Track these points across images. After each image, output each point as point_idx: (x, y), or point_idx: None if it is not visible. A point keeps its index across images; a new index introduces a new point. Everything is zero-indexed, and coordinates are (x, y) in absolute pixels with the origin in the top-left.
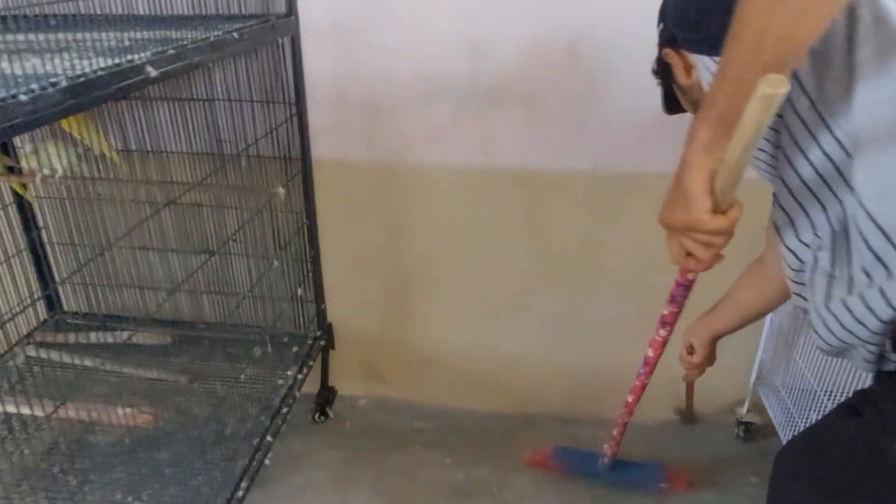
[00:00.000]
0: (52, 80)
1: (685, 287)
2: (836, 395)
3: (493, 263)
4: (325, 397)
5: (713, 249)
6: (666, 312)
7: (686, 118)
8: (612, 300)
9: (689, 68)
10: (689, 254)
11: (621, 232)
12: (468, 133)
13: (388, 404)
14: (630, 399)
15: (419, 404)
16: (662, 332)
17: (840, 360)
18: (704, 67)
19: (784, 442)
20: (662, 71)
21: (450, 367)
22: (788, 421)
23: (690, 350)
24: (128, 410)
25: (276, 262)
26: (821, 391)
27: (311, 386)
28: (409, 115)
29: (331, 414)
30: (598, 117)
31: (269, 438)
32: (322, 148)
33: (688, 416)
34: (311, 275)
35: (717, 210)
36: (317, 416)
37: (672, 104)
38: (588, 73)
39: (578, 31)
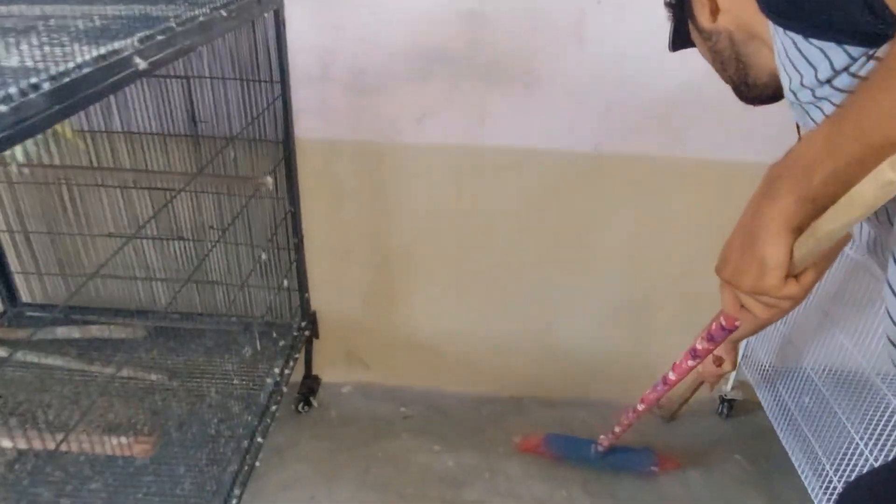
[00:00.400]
0: (33, 81)
1: (728, 331)
2: (829, 376)
3: (484, 246)
4: (309, 387)
5: (775, 311)
6: (700, 348)
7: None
8: (606, 285)
9: (715, 11)
10: (743, 306)
11: (620, 216)
12: (462, 111)
13: (372, 391)
14: (641, 407)
15: (404, 389)
16: (691, 363)
17: (839, 340)
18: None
19: (771, 419)
20: (679, 4)
21: (436, 351)
22: (777, 400)
23: (719, 362)
24: (123, 440)
25: (263, 256)
26: (812, 371)
27: (294, 375)
28: (398, 91)
29: (315, 403)
30: (602, 96)
31: (259, 440)
32: (304, 128)
33: (674, 416)
34: (295, 264)
35: (790, 274)
36: (301, 406)
37: (679, 42)
38: (592, 49)
39: (584, 5)
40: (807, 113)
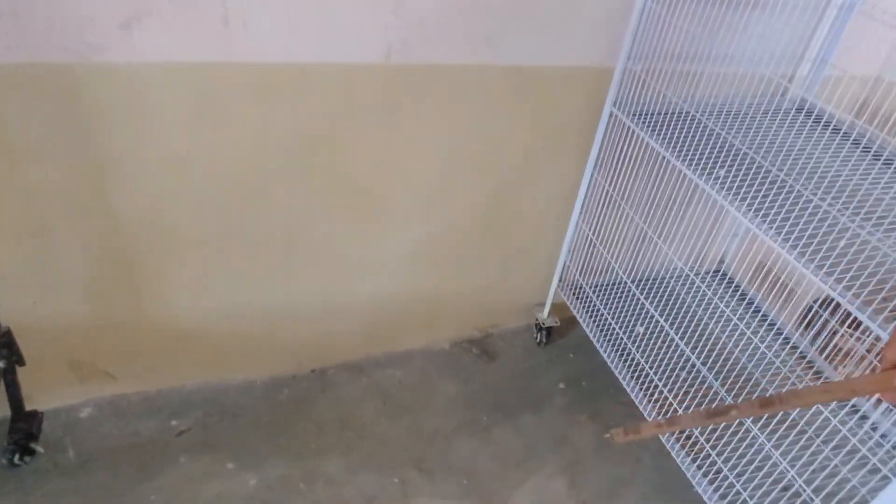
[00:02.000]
0: None
1: None
2: (644, 284)
3: (253, 198)
4: (25, 430)
5: None
6: None
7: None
8: (406, 225)
9: None
10: None
11: (419, 141)
12: (196, 10)
13: (126, 406)
14: None
15: (172, 393)
16: None
17: (644, 250)
18: None
19: (591, 336)
20: None
21: (207, 337)
22: (594, 316)
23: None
24: None
25: None
26: (630, 281)
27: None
28: None
29: (39, 448)
30: None
31: None
32: None
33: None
34: None
35: None
36: (16, 458)
37: None
38: None
39: None
40: None
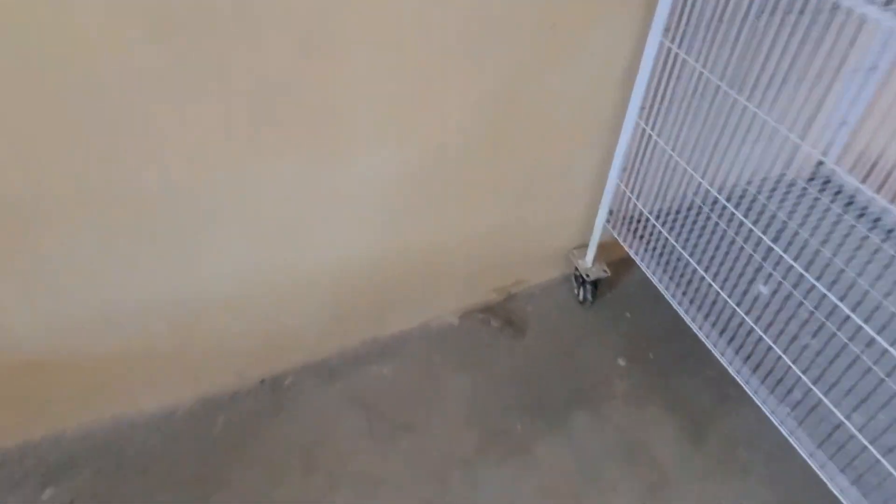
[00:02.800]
0: None
1: None
2: (729, 197)
3: (119, 128)
4: None
5: None
6: None
7: None
8: (379, 146)
9: None
10: None
11: (377, 49)
12: None
13: None
14: None
15: (43, 446)
16: None
17: (735, 153)
18: None
19: (660, 286)
20: None
21: (87, 360)
22: (662, 259)
23: None
24: None
25: None
26: (698, 199)
27: None
28: None
29: None
30: None
31: None
32: None
33: None
34: None
35: None
36: None
37: None
38: None
39: None
40: None
